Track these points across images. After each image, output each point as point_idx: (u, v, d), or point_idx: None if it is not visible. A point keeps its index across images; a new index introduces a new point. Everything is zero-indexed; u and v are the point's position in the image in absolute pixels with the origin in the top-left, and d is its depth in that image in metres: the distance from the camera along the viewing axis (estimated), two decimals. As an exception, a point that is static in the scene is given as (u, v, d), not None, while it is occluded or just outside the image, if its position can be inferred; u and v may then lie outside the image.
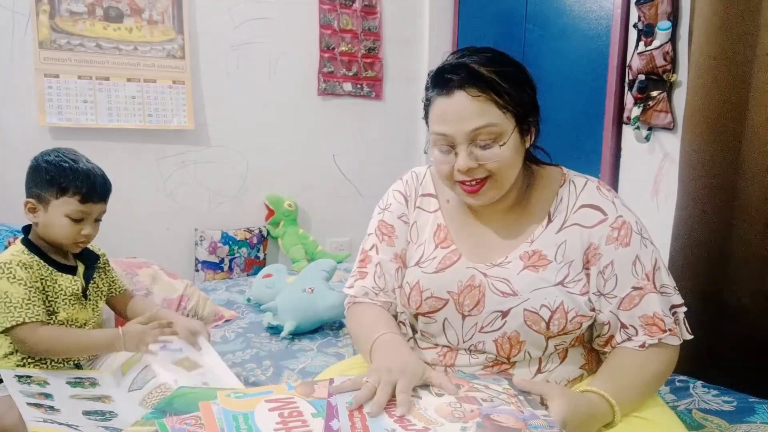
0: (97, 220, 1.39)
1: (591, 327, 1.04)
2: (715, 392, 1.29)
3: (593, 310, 1.00)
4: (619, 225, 0.99)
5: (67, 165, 1.32)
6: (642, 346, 0.96)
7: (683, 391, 1.31)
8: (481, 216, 1.09)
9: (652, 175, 1.97)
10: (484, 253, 1.05)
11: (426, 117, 1.04)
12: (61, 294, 1.33)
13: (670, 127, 1.88)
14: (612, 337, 1.00)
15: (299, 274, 2.01)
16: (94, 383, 1.27)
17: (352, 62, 3.02)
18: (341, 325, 1.90)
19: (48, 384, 1.21)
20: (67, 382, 1.25)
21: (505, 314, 0.98)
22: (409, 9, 3.15)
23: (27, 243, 1.35)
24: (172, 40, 2.54)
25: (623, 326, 0.98)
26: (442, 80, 0.97)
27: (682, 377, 1.38)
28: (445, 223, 1.10)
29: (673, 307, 1.00)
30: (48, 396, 1.17)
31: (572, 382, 1.03)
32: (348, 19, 2.98)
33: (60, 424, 1.07)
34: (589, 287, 1.00)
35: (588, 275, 1.00)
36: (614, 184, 2.15)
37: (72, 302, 1.35)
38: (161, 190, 2.62)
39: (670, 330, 0.96)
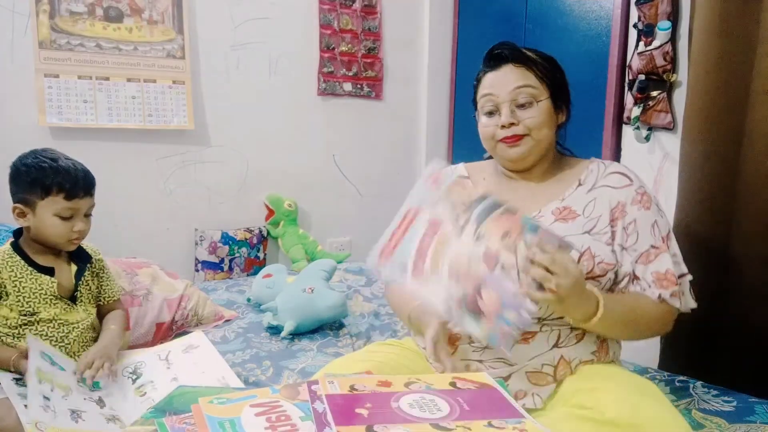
0: (88, 215, 1.38)
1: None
2: (715, 392, 1.29)
3: (617, 262, 1.10)
4: (642, 192, 1.14)
5: (46, 165, 1.31)
6: (656, 300, 1.08)
7: (683, 391, 1.31)
8: (517, 185, 1.22)
9: (652, 175, 1.97)
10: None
11: (475, 95, 1.23)
12: (40, 294, 1.33)
13: (670, 127, 1.88)
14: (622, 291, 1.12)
15: (299, 274, 2.01)
16: (95, 383, 1.27)
17: (352, 62, 3.02)
18: (341, 325, 1.90)
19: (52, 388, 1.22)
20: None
21: None
22: (409, 9, 3.14)
23: (14, 244, 1.36)
24: (172, 40, 2.54)
25: (636, 278, 1.11)
26: (492, 58, 1.18)
27: (682, 377, 1.38)
28: None
29: (681, 275, 1.12)
30: (47, 398, 1.17)
31: (583, 363, 1.10)
32: (348, 19, 2.98)
33: (57, 413, 1.08)
34: (613, 240, 1.11)
35: (614, 231, 1.11)
36: (614, 184, 2.15)
37: (53, 302, 1.34)
38: (161, 190, 2.62)
39: (675, 292, 1.08)
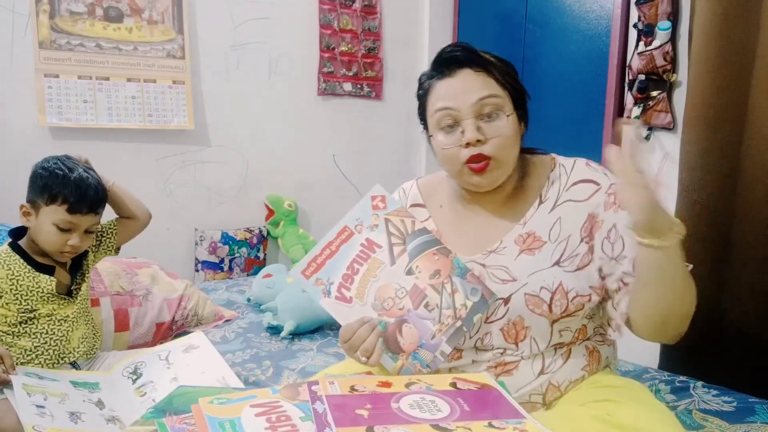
0: (89, 232, 1.37)
1: (592, 318, 1.05)
2: (715, 392, 1.29)
3: (602, 278, 0.99)
4: (613, 191, 1.00)
5: (60, 173, 1.31)
6: None
7: (683, 391, 1.31)
8: (476, 209, 1.09)
9: (651, 175, 1.97)
10: (480, 243, 1.06)
11: (423, 109, 1.06)
12: (38, 292, 1.34)
13: (670, 127, 1.88)
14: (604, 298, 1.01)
15: (299, 274, 2.01)
16: (94, 384, 1.28)
17: (352, 62, 3.02)
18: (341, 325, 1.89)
19: (55, 380, 1.22)
20: (71, 382, 1.25)
21: (506, 301, 1.00)
22: (409, 9, 3.14)
23: (13, 244, 1.37)
24: (172, 40, 2.54)
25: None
26: (444, 62, 1.01)
27: (682, 377, 1.38)
28: (437, 228, 1.11)
29: None
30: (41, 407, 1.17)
31: (574, 383, 1.03)
32: (348, 19, 2.98)
33: (54, 416, 1.08)
34: (591, 258, 1.00)
35: (591, 245, 1.00)
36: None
37: (51, 299, 1.36)
38: (161, 190, 2.62)
39: None
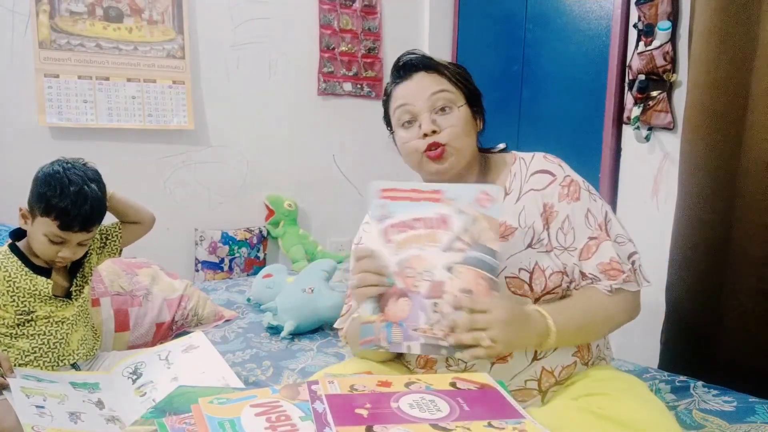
0: (81, 245, 1.35)
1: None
2: (715, 392, 1.29)
3: (563, 270, 1.07)
4: (567, 183, 1.10)
5: (58, 185, 1.27)
6: (609, 291, 1.04)
7: (683, 391, 1.31)
8: None
9: (652, 175, 1.97)
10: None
11: (387, 112, 1.17)
12: (35, 295, 1.33)
13: (670, 127, 1.88)
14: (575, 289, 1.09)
15: (299, 274, 2.01)
16: (94, 384, 1.28)
17: (352, 62, 3.02)
18: (341, 325, 1.89)
19: (53, 382, 1.21)
20: (70, 383, 1.25)
21: None
22: (409, 9, 3.14)
23: (12, 246, 1.36)
24: (172, 40, 2.54)
25: (584, 276, 1.07)
26: (401, 68, 1.13)
27: (682, 377, 1.38)
28: None
29: (630, 255, 1.08)
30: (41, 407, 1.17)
31: (567, 368, 1.07)
32: (348, 19, 2.98)
33: (54, 417, 1.08)
34: (551, 245, 1.08)
35: (549, 234, 1.08)
36: (614, 184, 2.15)
37: (48, 301, 1.35)
38: (161, 190, 2.62)
39: (627, 277, 1.05)
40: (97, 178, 1.36)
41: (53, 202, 1.26)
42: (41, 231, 1.29)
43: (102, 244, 1.49)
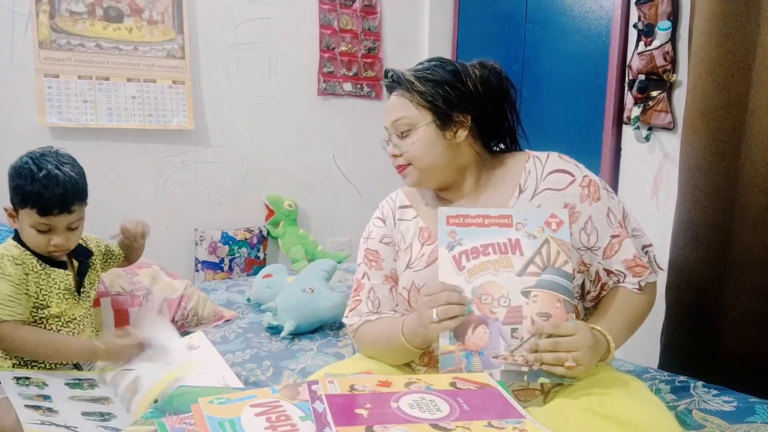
0: (72, 229, 1.32)
1: (582, 299, 1.14)
2: (715, 392, 1.29)
3: (583, 264, 1.11)
4: (587, 183, 1.12)
5: (28, 173, 1.25)
6: (639, 289, 1.11)
7: (683, 391, 1.31)
8: (452, 204, 1.20)
9: (652, 175, 1.97)
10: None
11: None
12: (54, 288, 1.32)
13: (670, 127, 1.88)
14: (603, 286, 1.14)
15: (299, 274, 2.01)
16: (93, 384, 1.27)
17: (352, 62, 3.02)
18: (341, 325, 1.89)
19: (47, 385, 1.20)
20: (66, 383, 1.25)
21: None
22: (409, 9, 3.14)
23: (18, 239, 1.33)
24: (172, 40, 2.54)
25: (610, 273, 1.12)
26: (386, 88, 1.20)
27: (682, 377, 1.38)
28: (426, 225, 1.19)
29: (644, 247, 1.14)
30: (47, 398, 1.17)
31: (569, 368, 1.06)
32: (348, 19, 2.98)
33: (58, 425, 1.07)
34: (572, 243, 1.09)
35: (571, 233, 1.08)
36: (614, 184, 2.15)
37: (65, 297, 1.34)
38: (161, 190, 2.62)
39: (649, 271, 1.12)
40: (70, 162, 1.32)
41: (26, 189, 1.25)
42: (27, 224, 1.28)
43: (104, 261, 1.51)
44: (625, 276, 1.11)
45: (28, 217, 1.27)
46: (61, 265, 1.35)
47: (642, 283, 1.11)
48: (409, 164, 1.15)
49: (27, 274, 1.29)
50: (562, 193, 1.11)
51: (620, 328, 1.07)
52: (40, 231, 1.28)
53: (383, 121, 1.19)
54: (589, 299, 1.17)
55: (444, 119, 1.13)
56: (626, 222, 1.13)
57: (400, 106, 1.15)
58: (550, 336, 0.95)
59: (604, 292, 1.16)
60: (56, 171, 1.27)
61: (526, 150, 1.21)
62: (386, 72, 1.20)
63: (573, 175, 1.13)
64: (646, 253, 1.14)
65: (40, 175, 1.25)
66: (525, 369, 0.96)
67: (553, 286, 0.99)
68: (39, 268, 1.31)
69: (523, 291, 0.99)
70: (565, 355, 0.93)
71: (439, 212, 1.04)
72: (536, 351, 0.95)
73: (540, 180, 1.14)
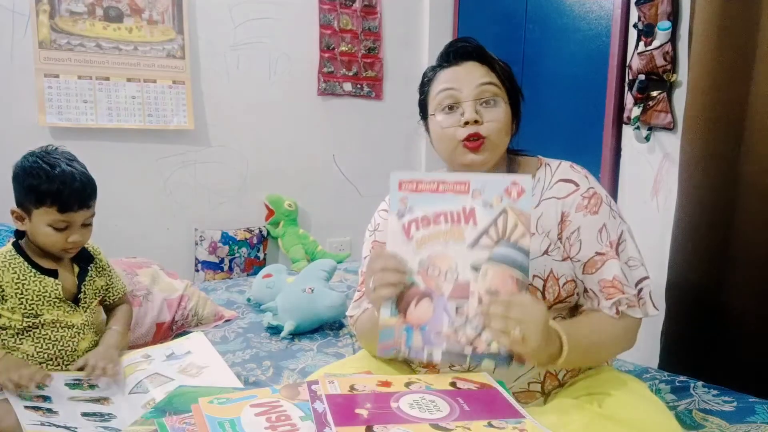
0: (86, 225, 1.33)
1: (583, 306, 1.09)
2: (715, 392, 1.29)
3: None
4: (590, 195, 1.06)
5: (42, 172, 1.24)
6: (616, 312, 1.01)
7: (683, 391, 1.31)
8: None
9: (652, 175, 1.97)
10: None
11: (424, 96, 1.12)
12: (44, 296, 1.30)
13: (670, 127, 1.88)
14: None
15: (299, 274, 2.01)
16: (93, 385, 1.27)
17: (352, 62, 3.01)
18: (341, 325, 1.89)
19: (46, 386, 1.20)
20: (66, 384, 1.24)
21: None
22: (409, 9, 3.14)
23: (16, 245, 1.33)
24: (172, 40, 2.54)
25: (585, 291, 1.05)
26: (453, 53, 1.08)
27: (682, 377, 1.38)
28: None
29: (639, 281, 1.04)
30: (46, 398, 1.16)
31: (571, 372, 1.07)
32: (348, 19, 2.98)
33: (58, 426, 1.07)
34: (567, 253, 1.05)
35: (562, 242, 1.06)
36: (614, 184, 2.15)
37: (57, 305, 1.32)
38: (161, 190, 2.62)
39: (630, 302, 1.01)
40: (74, 158, 1.33)
41: (43, 188, 1.24)
42: (43, 223, 1.26)
43: (105, 292, 1.48)
44: (598, 299, 1.02)
45: (46, 215, 1.26)
46: (52, 273, 1.33)
47: (620, 309, 1.01)
48: (487, 138, 1.03)
49: (15, 282, 1.27)
50: (562, 201, 1.06)
51: (579, 334, 0.96)
52: (57, 229, 1.27)
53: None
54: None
55: (513, 107, 1.09)
56: (621, 246, 1.04)
57: (487, 73, 1.06)
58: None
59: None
60: (69, 168, 1.28)
61: (539, 156, 1.16)
62: (461, 38, 1.10)
63: (577, 185, 1.07)
64: (640, 288, 1.04)
65: (56, 172, 1.25)
66: (467, 352, 0.89)
67: (506, 261, 0.89)
68: (29, 275, 1.29)
69: (473, 265, 0.90)
70: (513, 324, 0.84)
71: (391, 176, 0.94)
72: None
73: (546, 188, 1.08)
